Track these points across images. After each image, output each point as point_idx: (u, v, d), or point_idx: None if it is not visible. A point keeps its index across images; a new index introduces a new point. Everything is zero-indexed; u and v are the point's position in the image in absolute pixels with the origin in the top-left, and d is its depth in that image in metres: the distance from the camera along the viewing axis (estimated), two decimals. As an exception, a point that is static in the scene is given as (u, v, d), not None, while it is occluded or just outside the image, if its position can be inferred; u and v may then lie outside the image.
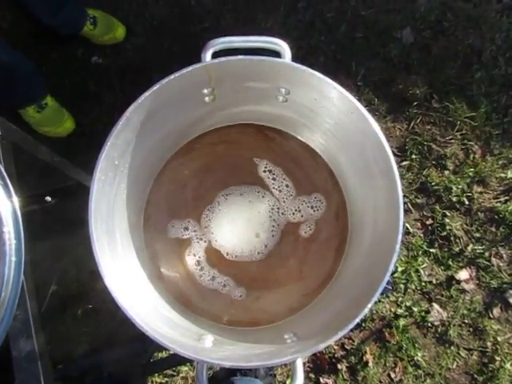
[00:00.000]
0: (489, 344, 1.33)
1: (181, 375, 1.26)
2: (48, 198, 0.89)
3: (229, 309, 0.69)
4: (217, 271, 0.70)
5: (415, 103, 1.48)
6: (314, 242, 0.68)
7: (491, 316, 1.35)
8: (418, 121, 1.47)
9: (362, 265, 0.58)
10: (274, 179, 0.71)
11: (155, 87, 0.53)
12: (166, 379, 1.26)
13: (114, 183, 0.56)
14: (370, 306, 0.46)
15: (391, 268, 0.47)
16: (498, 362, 1.31)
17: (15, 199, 0.51)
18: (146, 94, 0.53)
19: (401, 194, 0.49)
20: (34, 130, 1.35)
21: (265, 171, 0.72)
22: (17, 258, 0.48)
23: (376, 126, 0.52)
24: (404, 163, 1.44)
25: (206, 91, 0.60)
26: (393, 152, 1.61)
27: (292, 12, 1.54)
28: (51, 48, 1.47)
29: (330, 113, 0.59)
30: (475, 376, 1.31)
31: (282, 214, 0.70)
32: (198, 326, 0.61)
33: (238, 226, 0.69)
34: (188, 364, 1.27)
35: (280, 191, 0.71)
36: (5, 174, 0.50)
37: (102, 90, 1.47)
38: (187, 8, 1.55)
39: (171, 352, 1.10)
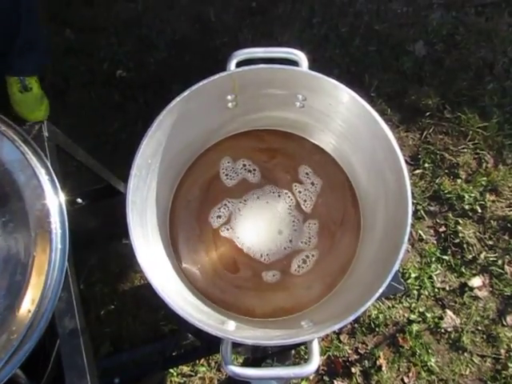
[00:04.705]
0: (502, 351, 1.33)
1: (199, 375, 1.30)
2: (79, 200, 0.95)
3: (249, 302, 0.73)
4: (239, 268, 0.75)
5: (428, 113, 1.52)
6: (331, 237, 0.73)
7: (504, 323, 1.36)
8: (431, 130, 1.51)
9: (375, 256, 0.62)
10: (290, 181, 0.76)
11: (185, 93, 0.59)
12: (184, 379, 1.30)
13: (147, 180, 0.62)
14: (381, 290, 0.50)
15: (401, 256, 0.51)
16: (511, 369, 1.31)
17: (61, 193, 0.57)
18: (178, 99, 0.59)
19: (409, 190, 0.54)
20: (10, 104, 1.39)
21: (282, 172, 0.77)
22: (62, 245, 0.54)
23: (386, 128, 0.56)
24: (417, 172, 1.48)
25: (229, 97, 0.66)
26: (406, 161, 1.64)
27: (307, 27, 1.60)
28: (79, 62, 1.56)
29: (343, 117, 0.64)
30: (488, 383, 1.31)
31: (300, 209, 0.75)
32: (220, 314, 0.66)
33: (261, 227, 0.74)
34: (205, 364, 1.30)
35: (296, 190, 0.76)
36: (52, 170, 0.57)
37: (126, 102, 1.54)
38: (207, 24, 1.62)
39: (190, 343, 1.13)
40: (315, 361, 0.52)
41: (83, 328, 0.53)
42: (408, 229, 0.52)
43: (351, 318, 0.50)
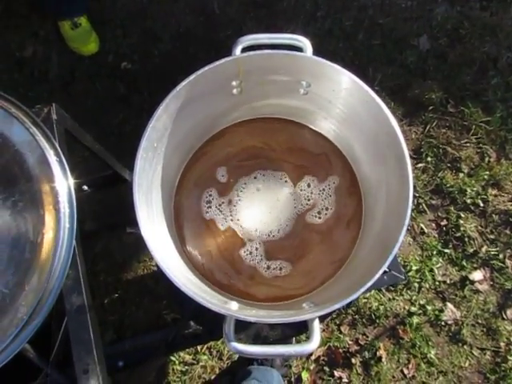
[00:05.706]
0: (502, 344, 1.34)
1: (200, 364, 1.31)
2: (85, 187, 0.96)
3: (250, 287, 0.74)
4: (241, 252, 0.76)
5: (431, 107, 1.52)
6: (331, 224, 0.74)
7: (504, 317, 1.37)
8: (434, 124, 1.51)
9: (376, 241, 0.63)
10: (292, 168, 0.77)
11: (191, 77, 0.60)
12: (186, 367, 1.32)
13: (153, 163, 0.63)
14: (381, 271, 0.51)
15: (401, 239, 0.52)
16: (510, 362, 1.32)
17: (69, 173, 0.58)
18: (183, 83, 0.60)
19: (411, 174, 0.55)
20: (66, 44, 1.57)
21: (284, 160, 0.78)
22: (70, 224, 0.56)
23: (388, 113, 0.57)
24: (419, 165, 1.48)
25: (234, 83, 0.67)
26: (408, 155, 1.63)
27: (311, 20, 1.61)
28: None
29: (346, 102, 0.65)
30: (487, 375, 1.32)
31: (300, 197, 0.76)
32: (222, 296, 0.67)
33: (263, 213, 0.76)
34: (207, 353, 1.32)
35: (298, 177, 0.77)
36: (60, 151, 0.58)
37: (130, 94, 1.55)
38: (212, 16, 1.63)
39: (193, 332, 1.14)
40: (316, 339, 0.53)
41: (90, 305, 0.54)
42: (409, 210, 0.53)
43: (350, 298, 0.51)
